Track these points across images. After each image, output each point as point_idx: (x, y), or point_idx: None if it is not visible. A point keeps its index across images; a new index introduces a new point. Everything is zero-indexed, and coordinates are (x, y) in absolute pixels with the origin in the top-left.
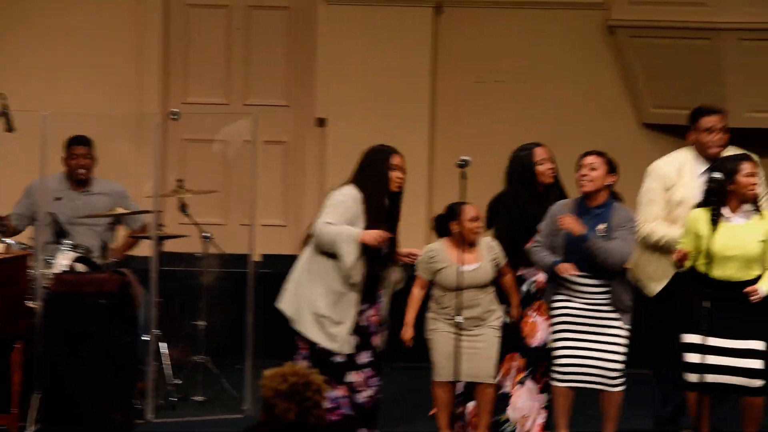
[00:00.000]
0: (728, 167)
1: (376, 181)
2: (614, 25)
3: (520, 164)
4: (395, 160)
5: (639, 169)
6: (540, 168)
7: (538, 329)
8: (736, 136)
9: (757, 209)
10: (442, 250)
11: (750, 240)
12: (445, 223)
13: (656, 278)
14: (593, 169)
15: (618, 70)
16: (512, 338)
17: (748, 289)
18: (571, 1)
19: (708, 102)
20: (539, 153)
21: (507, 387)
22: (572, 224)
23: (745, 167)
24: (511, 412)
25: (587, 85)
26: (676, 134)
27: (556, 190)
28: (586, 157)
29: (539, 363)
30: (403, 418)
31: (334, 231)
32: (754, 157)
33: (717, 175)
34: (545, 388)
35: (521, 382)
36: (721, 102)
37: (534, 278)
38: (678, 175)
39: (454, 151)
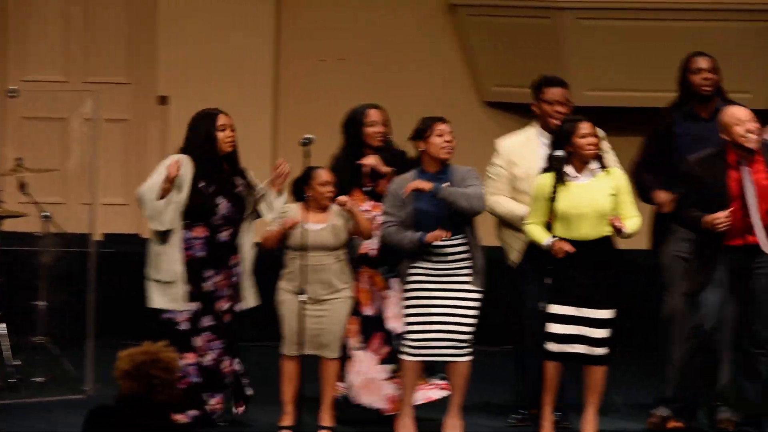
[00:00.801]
0: (565, 130)
1: (205, 145)
2: (455, 3)
3: (350, 122)
4: (221, 120)
5: (481, 147)
6: (368, 129)
7: (373, 299)
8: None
9: (603, 167)
10: (294, 209)
11: (598, 196)
12: (301, 187)
13: (515, 247)
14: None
15: (459, 48)
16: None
17: (613, 219)
18: None
19: None
20: (371, 114)
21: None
22: (420, 183)
23: (581, 128)
24: (348, 376)
25: (429, 63)
26: (516, 112)
27: (387, 155)
28: (443, 123)
29: (373, 334)
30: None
31: (144, 187)
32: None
33: (558, 153)
34: (389, 359)
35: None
36: None
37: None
38: (521, 151)
39: (298, 129)
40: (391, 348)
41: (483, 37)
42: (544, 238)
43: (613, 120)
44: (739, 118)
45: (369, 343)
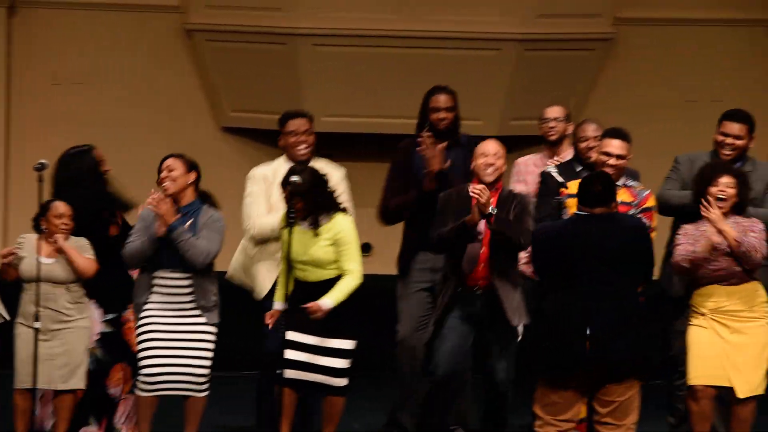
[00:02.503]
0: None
1: None
2: (191, 28)
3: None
4: None
5: (220, 173)
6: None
7: None
8: (319, 140)
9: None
10: (30, 240)
11: (315, 247)
12: (38, 219)
13: (263, 278)
14: (171, 170)
15: (197, 73)
16: (117, 346)
17: (309, 306)
18: (147, 4)
19: (286, 106)
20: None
21: (116, 395)
22: (167, 211)
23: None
24: (119, 419)
25: (166, 88)
26: (255, 138)
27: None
28: (165, 160)
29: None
30: None
31: None
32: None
33: (295, 178)
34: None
35: (131, 391)
36: (298, 106)
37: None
38: (272, 179)
39: (32, 154)
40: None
41: (221, 62)
42: (278, 293)
43: (350, 146)
44: (483, 151)
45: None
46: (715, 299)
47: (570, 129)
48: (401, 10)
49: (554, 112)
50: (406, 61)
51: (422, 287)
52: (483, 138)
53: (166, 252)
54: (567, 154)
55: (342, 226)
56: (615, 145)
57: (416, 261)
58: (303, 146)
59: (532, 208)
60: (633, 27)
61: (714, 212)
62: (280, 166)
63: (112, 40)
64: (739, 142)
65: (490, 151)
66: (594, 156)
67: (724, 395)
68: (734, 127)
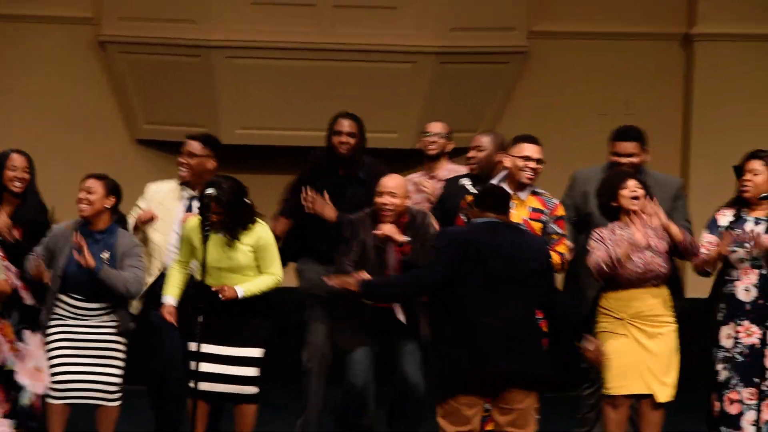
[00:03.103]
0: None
1: None
2: (105, 40)
3: None
4: None
5: (133, 186)
6: (8, 173)
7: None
8: (228, 153)
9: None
10: None
11: (236, 252)
12: None
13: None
14: (90, 192)
15: (110, 85)
16: None
17: (217, 288)
18: (60, 15)
19: (201, 118)
20: (14, 158)
21: None
22: (86, 258)
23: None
24: None
25: (79, 100)
26: (169, 150)
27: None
28: (86, 179)
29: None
30: None
31: None
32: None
33: (210, 191)
34: (10, 414)
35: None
36: (213, 119)
37: None
38: (164, 197)
39: None
40: (11, 404)
41: (134, 74)
42: (170, 289)
43: (264, 158)
44: (383, 185)
45: None
46: (635, 303)
47: (450, 147)
48: (317, 22)
49: (436, 127)
50: (322, 73)
51: (323, 297)
52: (391, 157)
53: (76, 281)
54: (443, 171)
55: (263, 233)
56: (534, 149)
57: (311, 270)
58: (183, 168)
59: (432, 221)
60: (547, 40)
61: (653, 206)
62: (176, 186)
63: (25, 51)
64: (633, 159)
65: (389, 186)
66: (507, 162)
67: (635, 402)
68: (627, 146)
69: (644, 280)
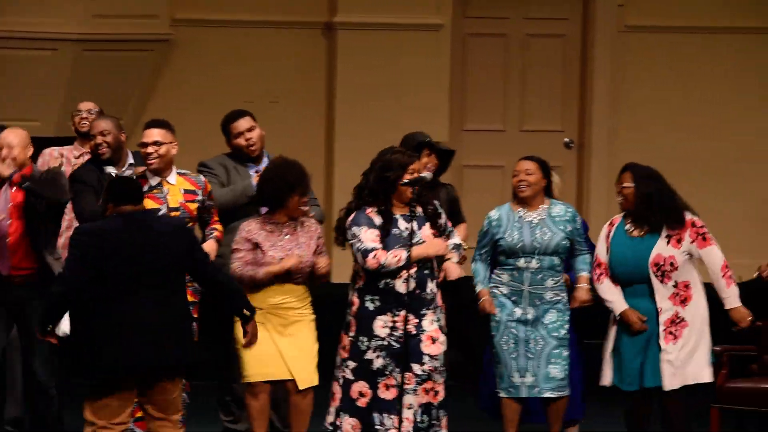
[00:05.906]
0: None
1: None
2: None
3: None
4: None
5: None
6: None
7: None
8: None
9: None
10: None
11: None
12: None
13: None
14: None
15: None
16: None
17: None
18: None
19: None
20: None
21: None
22: None
23: None
24: None
25: None
26: None
27: None
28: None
29: None
30: None
31: None
32: None
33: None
34: None
35: None
36: None
37: None
38: None
39: None
40: None
41: None
42: None
43: None
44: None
45: None
46: (276, 297)
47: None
48: None
49: (87, 105)
50: None
51: None
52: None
53: None
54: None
55: None
56: (155, 133)
57: None
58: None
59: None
60: (191, 28)
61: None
62: None
63: None
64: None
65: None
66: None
67: (277, 391)
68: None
69: (287, 278)
